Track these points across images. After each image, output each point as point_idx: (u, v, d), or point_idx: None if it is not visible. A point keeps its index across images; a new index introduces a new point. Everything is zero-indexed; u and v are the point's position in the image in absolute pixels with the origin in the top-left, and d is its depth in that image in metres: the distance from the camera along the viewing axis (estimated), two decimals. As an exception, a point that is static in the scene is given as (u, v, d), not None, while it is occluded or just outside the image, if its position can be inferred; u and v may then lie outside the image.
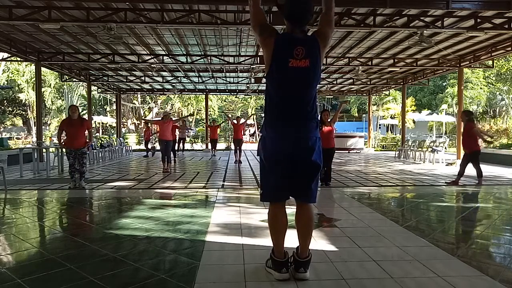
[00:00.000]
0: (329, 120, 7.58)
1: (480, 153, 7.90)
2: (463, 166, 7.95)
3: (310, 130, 2.64)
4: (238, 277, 2.77)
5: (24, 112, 36.70)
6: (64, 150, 8.54)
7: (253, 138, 32.23)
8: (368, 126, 23.23)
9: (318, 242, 3.59)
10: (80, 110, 7.77)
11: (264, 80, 18.05)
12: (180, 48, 12.76)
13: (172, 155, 12.02)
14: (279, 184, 2.66)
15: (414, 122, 28.00)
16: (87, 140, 7.38)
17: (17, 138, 28.73)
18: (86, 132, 7.35)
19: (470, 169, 10.67)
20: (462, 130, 7.84)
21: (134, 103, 33.89)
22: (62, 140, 7.33)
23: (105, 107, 36.81)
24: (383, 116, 29.87)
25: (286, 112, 2.62)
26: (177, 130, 15.26)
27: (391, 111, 28.75)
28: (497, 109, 30.18)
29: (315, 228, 4.13)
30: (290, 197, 2.74)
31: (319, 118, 7.52)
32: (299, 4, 2.60)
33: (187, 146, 23.38)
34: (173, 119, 10.90)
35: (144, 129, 16.92)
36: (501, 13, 8.70)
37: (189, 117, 32.55)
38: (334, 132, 7.74)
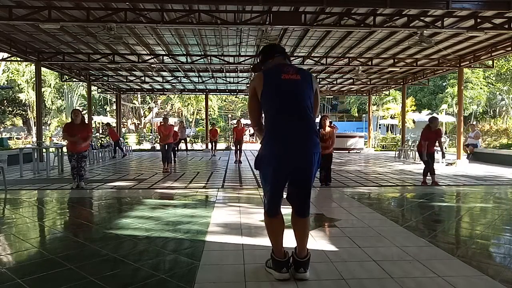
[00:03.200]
0: (328, 125, 7.60)
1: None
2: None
3: (312, 144, 2.61)
4: (238, 277, 2.77)
5: (24, 112, 36.71)
6: (65, 150, 8.59)
7: (253, 138, 32.22)
8: (368, 126, 23.21)
9: (318, 242, 3.59)
10: (81, 111, 7.81)
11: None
12: (180, 48, 12.76)
13: (172, 155, 12.06)
14: (278, 196, 2.68)
15: (414, 122, 27.98)
16: (89, 145, 7.43)
17: (17, 138, 28.72)
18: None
19: (470, 169, 10.67)
20: (425, 133, 7.87)
21: (134, 103, 33.90)
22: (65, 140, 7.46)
23: (105, 107, 36.82)
24: (383, 116, 29.86)
25: (288, 122, 2.60)
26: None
27: (391, 111, 28.74)
28: (497, 109, 30.18)
29: (315, 228, 4.14)
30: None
31: (319, 123, 7.57)
32: (276, 45, 2.97)
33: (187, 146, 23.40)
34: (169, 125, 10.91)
35: (110, 130, 16.60)
36: (501, 13, 8.69)
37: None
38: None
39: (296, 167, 2.60)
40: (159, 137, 10.60)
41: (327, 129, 7.49)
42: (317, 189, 7.04)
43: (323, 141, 7.52)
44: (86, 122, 8.17)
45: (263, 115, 2.77)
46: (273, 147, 2.60)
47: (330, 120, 7.86)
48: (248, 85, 2.97)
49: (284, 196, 2.75)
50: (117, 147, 15.95)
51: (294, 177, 2.65)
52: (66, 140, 7.70)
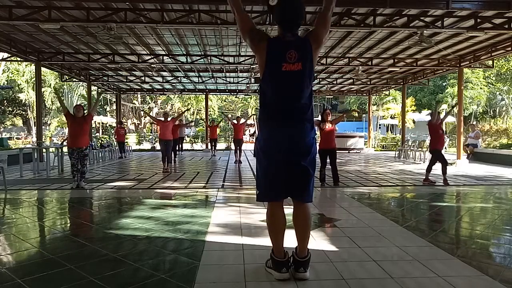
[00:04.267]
0: (330, 119, 7.56)
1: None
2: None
3: (305, 133, 2.64)
4: (238, 277, 2.77)
5: (24, 112, 36.72)
6: (65, 150, 8.59)
7: (253, 138, 32.27)
8: (368, 126, 23.22)
9: (318, 242, 3.59)
10: (83, 107, 7.86)
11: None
12: (180, 48, 12.76)
13: (172, 155, 12.03)
14: (273, 184, 2.68)
15: (414, 122, 27.98)
16: (89, 142, 7.45)
17: (17, 138, 28.73)
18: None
19: (470, 169, 10.65)
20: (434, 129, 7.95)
21: (134, 103, 33.88)
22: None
23: (105, 107, 36.81)
24: (383, 116, 29.86)
25: (281, 114, 2.63)
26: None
27: (391, 111, 28.74)
28: (497, 109, 30.19)
29: (315, 228, 4.14)
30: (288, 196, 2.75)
31: (320, 117, 7.56)
32: (290, 9, 2.62)
33: (187, 146, 23.40)
34: (170, 118, 10.84)
35: (115, 129, 16.83)
36: (501, 13, 8.69)
37: (185, 112, 32.22)
38: (335, 132, 7.74)
39: (293, 151, 2.62)
40: (158, 132, 10.49)
41: (329, 124, 7.46)
42: (318, 189, 7.04)
43: (326, 135, 7.50)
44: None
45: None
46: (269, 136, 2.67)
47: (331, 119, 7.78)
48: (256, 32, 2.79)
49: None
50: (122, 148, 16.11)
51: (293, 163, 2.63)
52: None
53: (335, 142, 7.71)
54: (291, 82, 2.60)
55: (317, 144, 2.88)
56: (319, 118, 7.79)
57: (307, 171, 2.66)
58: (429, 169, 7.97)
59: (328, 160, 7.60)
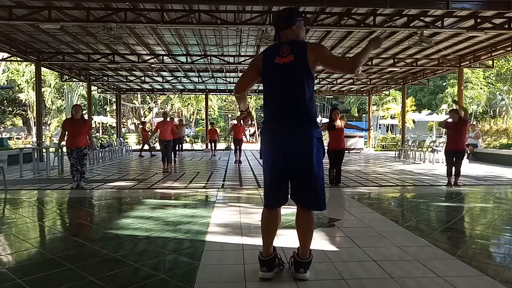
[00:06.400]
0: (339, 119, 7.51)
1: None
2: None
3: (307, 133, 2.57)
4: (238, 277, 2.76)
5: (24, 112, 36.72)
6: (64, 150, 8.59)
7: (253, 138, 32.24)
8: (368, 126, 23.22)
9: (318, 242, 3.59)
10: (81, 107, 7.81)
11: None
12: (180, 48, 12.77)
13: (172, 155, 12.03)
14: (272, 191, 2.66)
15: (414, 122, 27.99)
16: (88, 141, 7.43)
17: (17, 138, 28.72)
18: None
19: (470, 169, 10.61)
20: (457, 128, 7.77)
21: (134, 103, 33.87)
22: (63, 141, 7.47)
23: (105, 107, 36.81)
24: (383, 116, 29.87)
25: (281, 114, 2.61)
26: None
27: (391, 111, 28.75)
28: (497, 109, 30.20)
29: (315, 228, 4.12)
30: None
31: (329, 117, 7.52)
32: (277, 16, 2.87)
33: (187, 146, 23.39)
34: (169, 119, 10.83)
35: (141, 129, 17.15)
36: (501, 13, 8.70)
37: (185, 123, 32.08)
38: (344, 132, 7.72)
39: (292, 155, 2.56)
40: (158, 133, 10.52)
41: (338, 122, 7.43)
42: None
43: (335, 136, 7.48)
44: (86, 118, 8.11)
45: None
46: (268, 138, 2.67)
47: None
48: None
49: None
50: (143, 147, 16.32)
51: (292, 166, 2.58)
52: (61, 140, 7.57)
53: (344, 143, 7.68)
54: (285, 75, 2.60)
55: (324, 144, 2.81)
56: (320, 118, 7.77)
57: (311, 176, 2.58)
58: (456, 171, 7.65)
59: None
